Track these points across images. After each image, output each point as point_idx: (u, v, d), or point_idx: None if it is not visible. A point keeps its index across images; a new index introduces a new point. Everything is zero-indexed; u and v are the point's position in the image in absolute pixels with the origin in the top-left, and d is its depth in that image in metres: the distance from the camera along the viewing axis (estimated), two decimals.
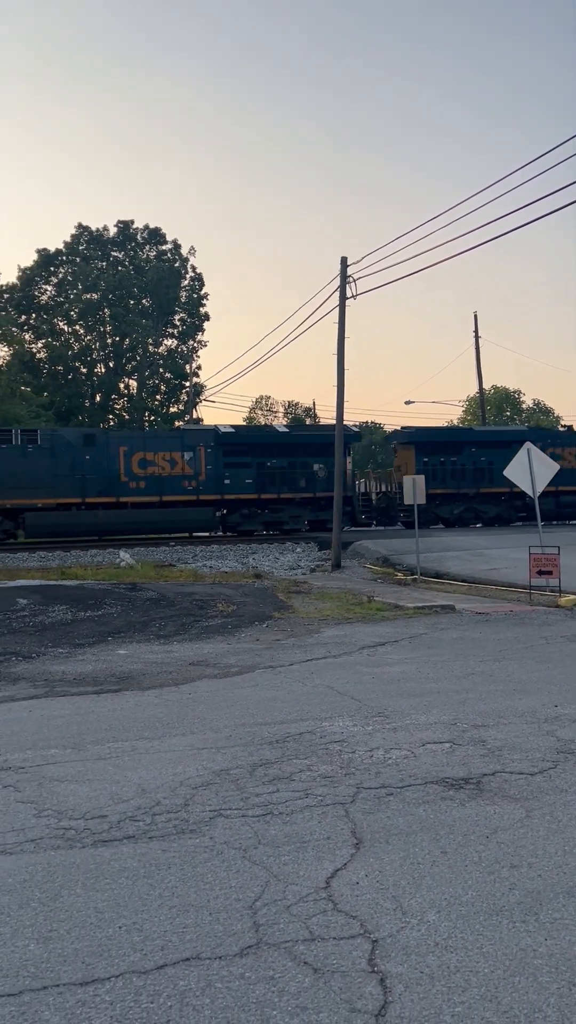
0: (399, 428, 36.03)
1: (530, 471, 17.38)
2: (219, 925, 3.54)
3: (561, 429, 39.32)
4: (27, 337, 55.32)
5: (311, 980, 3.11)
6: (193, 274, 60.40)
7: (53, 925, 3.59)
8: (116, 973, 3.19)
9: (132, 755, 6.09)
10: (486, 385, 63.04)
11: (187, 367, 57.57)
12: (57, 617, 13.91)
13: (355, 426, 37.75)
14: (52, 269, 57.47)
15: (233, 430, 32.77)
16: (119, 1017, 2.91)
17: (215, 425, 33.53)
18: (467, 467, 33.42)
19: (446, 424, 58.01)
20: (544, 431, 38.13)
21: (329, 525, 31.78)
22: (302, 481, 31.48)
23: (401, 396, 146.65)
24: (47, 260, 57.06)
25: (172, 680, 8.96)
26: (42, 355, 56.43)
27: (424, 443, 33.55)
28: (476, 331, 45.88)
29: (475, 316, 45.89)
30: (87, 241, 58.34)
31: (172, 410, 58.67)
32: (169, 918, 3.62)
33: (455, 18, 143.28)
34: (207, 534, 31.92)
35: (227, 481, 30.59)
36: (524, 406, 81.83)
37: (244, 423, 68.03)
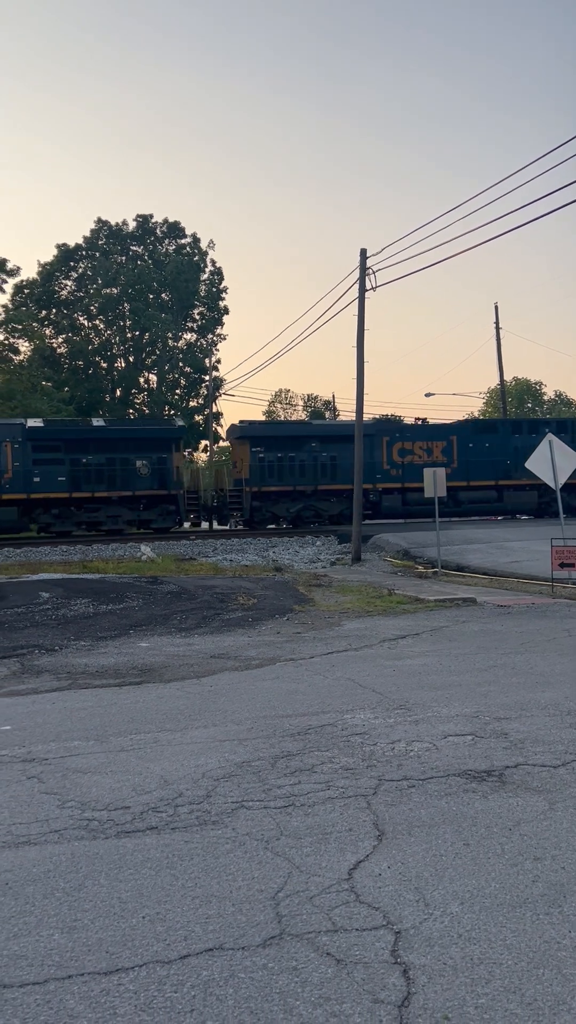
0: (238, 422, 33.64)
1: (552, 463, 17.27)
2: (242, 916, 3.55)
3: (414, 422, 36.73)
4: (48, 332, 55.60)
5: (334, 971, 3.11)
6: (212, 268, 60.44)
7: (77, 915, 3.61)
8: (140, 963, 3.21)
9: (154, 747, 6.12)
10: (507, 376, 62.63)
11: (206, 361, 57.65)
12: (79, 610, 14.00)
13: (373, 418, 37.25)
14: (72, 264, 57.72)
15: (43, 424, 31.22)
16: (143, 1006, 2.93)
17: (23, 419, 31.96)
18: (307, 463, 31.66)
19: (466, 415, 57.66)
20: (393, 424, 36.01)
21: (155, 525, 30.69)
22: (121, 479, 30.11)
23: (421, 388, 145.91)
24: (67, 255, 57.29)
25: (194, 673, 9.00)
26: (63, 350, 56.74)
27: (260, 438, 31.74)
28: (497, 322, 45.56)
29: (496, 307, 45.49)
30: (106, 236, 58.50)
31: (192, 404, 58.79)
32: (192, 908, 3.63)
33: (476, 10, 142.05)
34: (193, 527, 31.23)
35: (37, 479, 29.02)
36: (546, 397, 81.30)
37: (264, 417, 68.00)
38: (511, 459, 31.96)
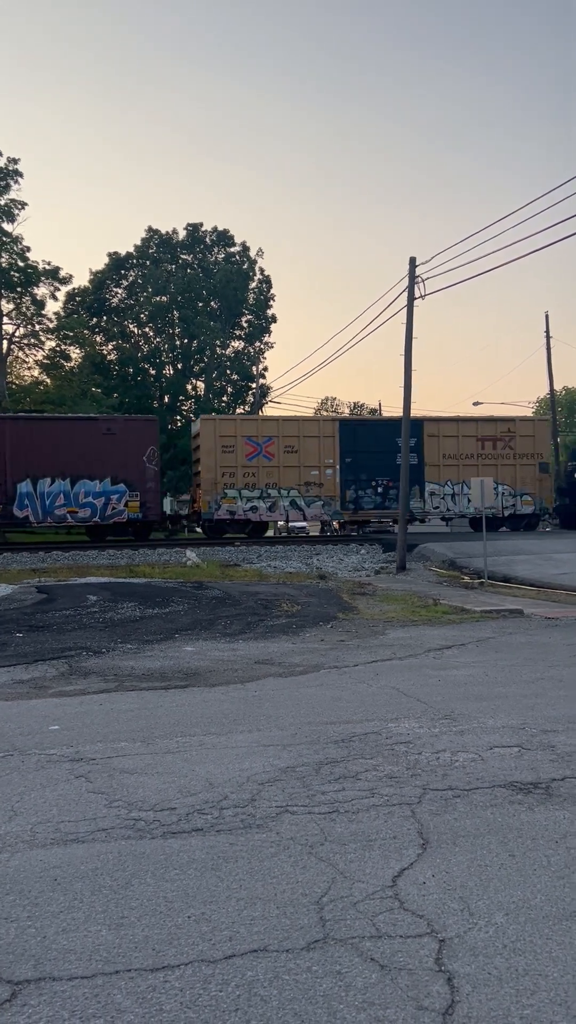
0: None
1: None
2: (286, 919, 3.58)
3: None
4: (98, 339, 56.35)
5: (378, 976, 3.12)
6: (261, 276, 60.72)
7: (124, 912, 3.67)
8: (185, 961, 3.25)
9: (199, 750, 6.18)
10: (558, 386, 61.78)
11: (254, 369, 57.90)
12: (126, 614, 14.16)
13: None
14: (123, 272, 58.43)
15: None
16: (189, 1004, 2.97)
17: None
18: None
19: None
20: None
21: None
22: None
23: (469, 397, 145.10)
24: (118, 264, 58.04)
25: (238, 678, 9.05)
26: (112, 357, 57.42)
27: None
28: (547, 331, 45.09)
29: (546, 316, 45.09)
30: (157, 244, 59.13)
31: (238, 411, 59.08)
32: (237, 910, 3.67)
33: (533, 18, 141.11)
34: (271, 534, 31.64)
35: None
36: None
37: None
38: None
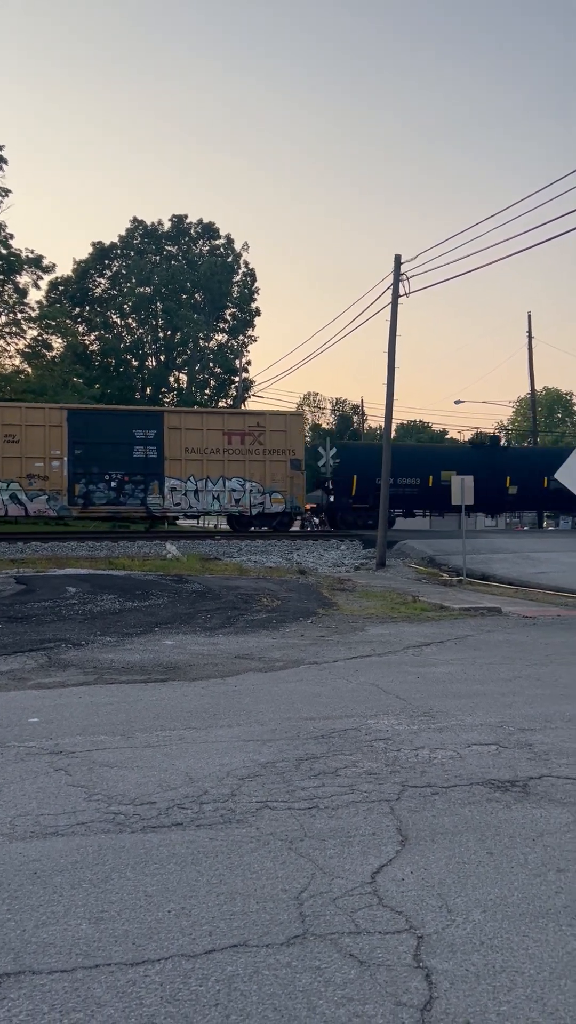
0: None
1: None
2: (266, 914, 3.59)
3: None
4: (80, 329, 56.01)
5: (357, 972, 3.14)
6: (245, 269, 60.62)
7: (104, 906, 3.67)
8: (165, 955, 3.26)
9: (179, 744, 6.18)
10: (538, 386, 62.16)
11: (237, 362, 57.80)
12: (105, 606, 14.11)
13: (402, 425, 37.14)
14: (106, 263, 58.13)
15: None
16: (169, 998, 2.98)
17: None
18: None
19: (495, 425, 57.29)
20: None
21: None
22: None
23: (451, 395, 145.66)
24: (102, 254, 57.72)
25: (218, 672, 9.06)
26: (95, 347, 57.11)
27: None
28: (529, 331, 45.42)
29: (528, 316, 45.43)
30: (141, 235, 58.87)
31: (221, 404, 58.98)
32: (217, 905, 3.68)
33: (532, 18, 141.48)
34: (252, 528, 31.46)
35: None
36: None
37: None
38: None
